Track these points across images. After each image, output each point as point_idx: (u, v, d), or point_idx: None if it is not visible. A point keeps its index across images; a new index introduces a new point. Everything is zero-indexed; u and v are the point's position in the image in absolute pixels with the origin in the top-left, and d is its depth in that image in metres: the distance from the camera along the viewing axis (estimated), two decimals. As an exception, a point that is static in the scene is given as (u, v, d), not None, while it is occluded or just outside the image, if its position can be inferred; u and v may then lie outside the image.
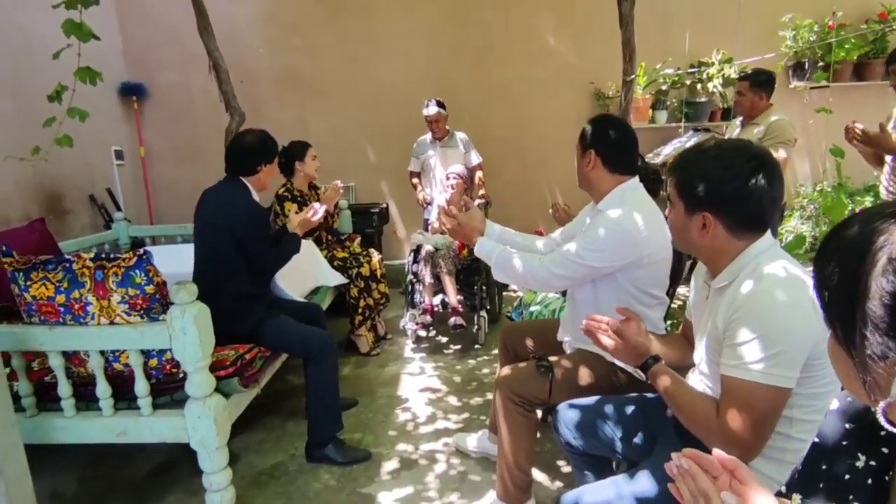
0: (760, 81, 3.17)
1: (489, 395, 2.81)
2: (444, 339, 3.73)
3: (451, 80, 4.80)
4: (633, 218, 1.67)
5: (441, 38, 4.78)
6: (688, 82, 4.58)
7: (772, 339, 1.05)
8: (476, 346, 3.56)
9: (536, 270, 1.75)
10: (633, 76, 3.10)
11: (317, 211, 2.57)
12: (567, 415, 1.63)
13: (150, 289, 1.83)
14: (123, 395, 1.90)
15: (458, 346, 3.60)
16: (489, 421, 2.31)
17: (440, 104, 4.02)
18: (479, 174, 4.20)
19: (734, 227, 1.17)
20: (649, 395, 1.60)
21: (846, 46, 4.34)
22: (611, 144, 1.78)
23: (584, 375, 1.75)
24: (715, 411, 1.13)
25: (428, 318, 3.53)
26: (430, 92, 4.41)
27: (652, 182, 2.17)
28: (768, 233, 1.20)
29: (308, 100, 4.91)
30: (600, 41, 4.38)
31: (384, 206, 4.75)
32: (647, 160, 3.62)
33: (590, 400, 1.63)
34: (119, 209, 4.21)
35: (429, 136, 4.17)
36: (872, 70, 4.44)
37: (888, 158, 2.77)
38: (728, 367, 1.11)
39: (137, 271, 1.81)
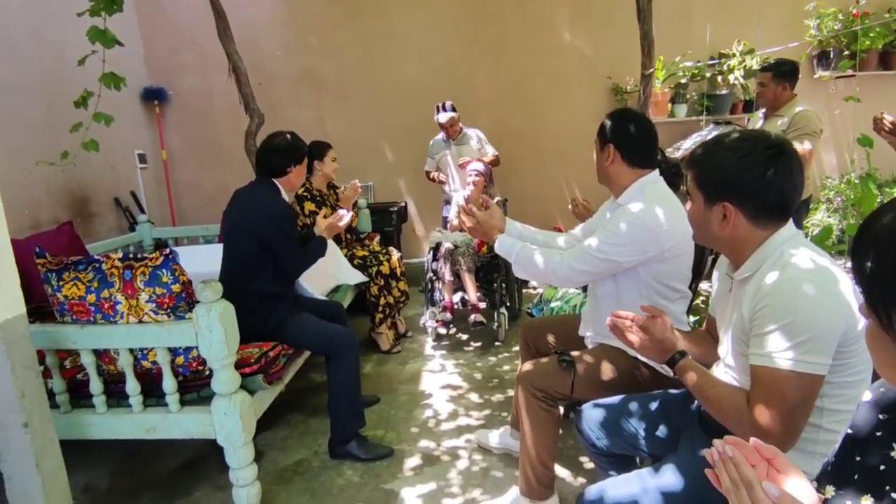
0: (784, 72, 3.11)
1: (510, 392, 2.81)
2: (465, 337, 3.74)
3: (467, 76, 4.80)
4: (653, 212, 1.65)
5: (457, 34, 4.78)
6: (708, 75, 4.50)
7: (800, 326, 1.04)
8: (496, 343, 3.55)
9: (557, 266, 1.74)
10: (651, 70, 3.06)
11: (343, 217, 2.63)
12: (590, 415, 1.62)
13: (176, 288, 1.87)
14: (152, 392, 1.94)
15: (479, 343, 3.60)
16: (511, 417, 2.31)
17: (452, 108, 4.02)
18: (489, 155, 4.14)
19: (756, 217, 1.16)
20: (673, 390, 1.59)
21: (871, 35, 4.23)
22: (630, 138, 1.76)
23: (607, 370, 1.74)
24: (745, 403, 1.12)
25: (448, 315, 3.54)
26: (446, 89, 4.42)
27: (672, 176, 2.14)
28: (790, 222, 1.19)
29: (326, 99, 4.95)
30: (617, 35, 4.35)
31: (403, 204, 4.77)
32: (666, 154, 3.58)
33: (613, 400, 1.62)
34: (143, 211, 4.30)
35: (442, 135, 4.18)
36: (897, 59, 4.33)
37: None
38: (757, 358, 1.10)
39: (164, 271, 1.85)
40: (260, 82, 4.31)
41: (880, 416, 0.75)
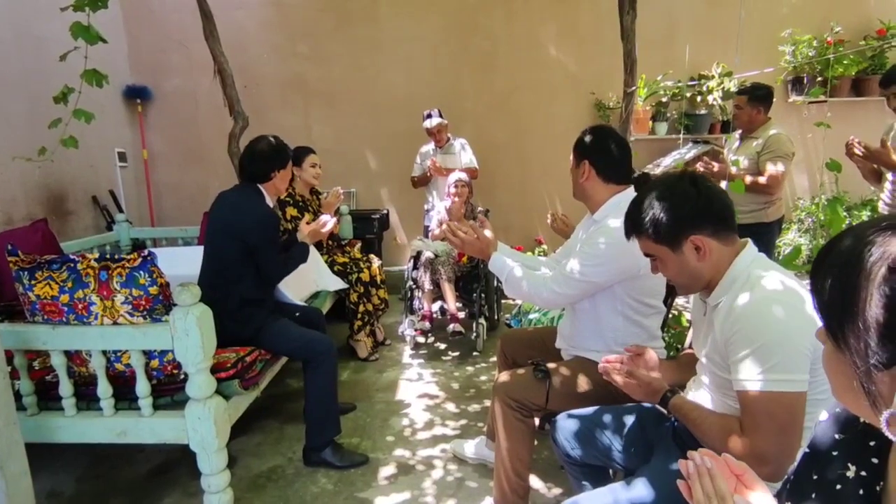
0: (759, 96, 3.20)
1: (487, 402, 2.82)
2: (443, 346, 3.74)
3: (454, 88, 4.84)
4: (629, 228, 1.69)
5: (445, 46, 4.83)
6: (688, 95, 4.62)
7: (771, 348, 1.08)
8: (474, 353, 3.57)
9: (542, 291, 1.78)
10: (633, 88, 3.12)
11: (325, 223, 2.63)
12: (565, 425, 1.64)
13: (153, 290, 1.84)
14: (124, 396, 1.91)
15: (457, 353, 3.61)
16: (487, 427, 2.32)
17: (440, 114, 4.05)
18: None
19: (718, 232, 1.22)
20: (646, 404, 1.62)
21: (844, 62, 4.39)
22: (604, 154, 1.80)
23: (582, 382, 1.77)
24: (738, 429, 1.14)
25: (427, 324, 3.54)
26: (434, 100, 4.45)
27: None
28: (750, 243, 1.26)
29: (312, 106, 4.95)
30: (602, 52, 4.44)
31: (385, 212, 4.77)
32: (646, 171, 3.64)
33: (588, 410, 1.65)
34: (121, 211, 4.24)
35: (431, 145, 4.20)
36: (870, 86, 4.48)
37: (889, 175, 2.78)
38: (740, 383, 1.13)
39: (141, 272, 1.83)
40: (245, 85, 4.29)
41: (836, 436, 0.77)
